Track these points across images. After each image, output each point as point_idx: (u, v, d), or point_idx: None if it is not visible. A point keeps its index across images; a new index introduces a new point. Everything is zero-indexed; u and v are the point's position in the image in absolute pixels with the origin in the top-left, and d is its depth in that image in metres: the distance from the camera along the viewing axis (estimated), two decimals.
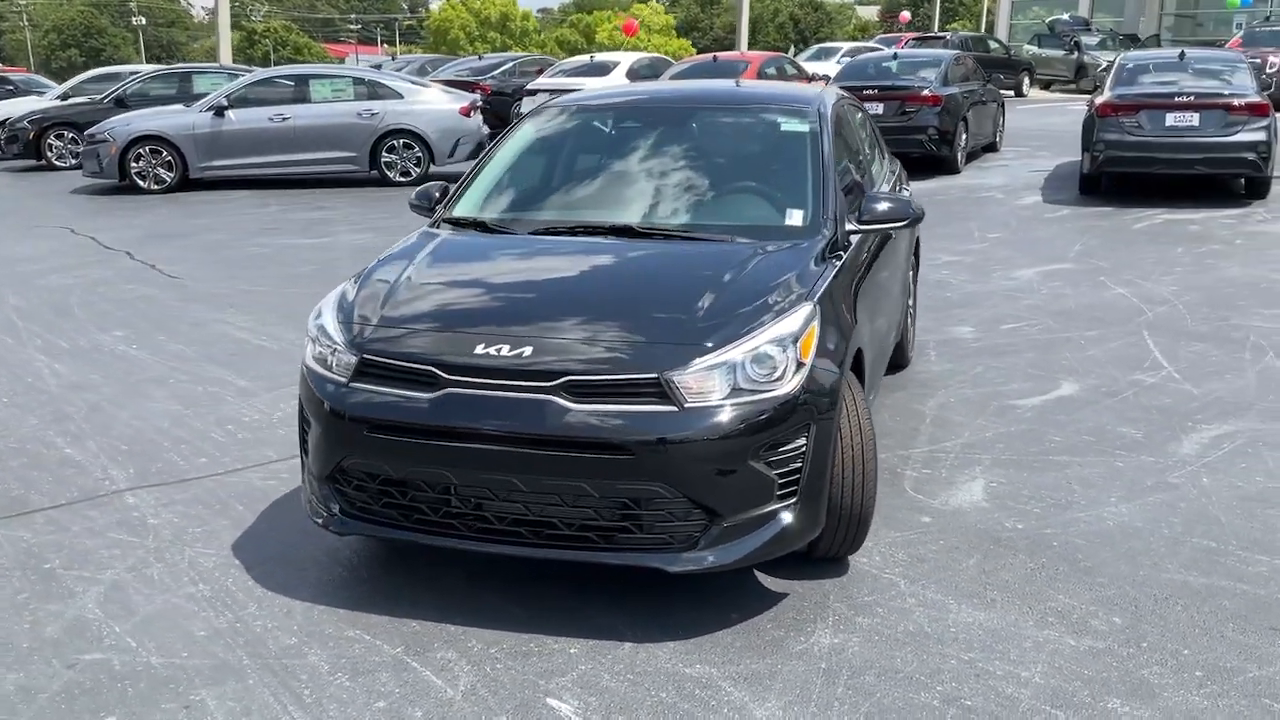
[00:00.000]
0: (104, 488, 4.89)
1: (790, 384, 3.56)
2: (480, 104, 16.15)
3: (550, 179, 4.98)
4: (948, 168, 15.26)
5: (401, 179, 15.28)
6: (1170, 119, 12.18)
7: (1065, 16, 38.11)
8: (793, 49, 51.82)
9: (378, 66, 24.43)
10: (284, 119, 14.96)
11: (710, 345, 3.56)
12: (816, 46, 33.34)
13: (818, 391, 3.63)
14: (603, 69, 20.00)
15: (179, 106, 15.67)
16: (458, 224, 4.75)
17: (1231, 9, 33.12)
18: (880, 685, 3.34)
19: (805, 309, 3.76)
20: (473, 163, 5.16)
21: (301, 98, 15.24)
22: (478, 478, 3.54)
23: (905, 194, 4.66)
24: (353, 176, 15.48)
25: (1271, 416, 5.67)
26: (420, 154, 15.29)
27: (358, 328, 3.87)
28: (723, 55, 19.21)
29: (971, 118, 16.03)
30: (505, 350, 3.59)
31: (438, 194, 5.00)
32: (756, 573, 4.00)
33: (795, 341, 3.63)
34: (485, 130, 16.03)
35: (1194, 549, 4.22)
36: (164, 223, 12.57)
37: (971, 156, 16.61)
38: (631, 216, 4.56)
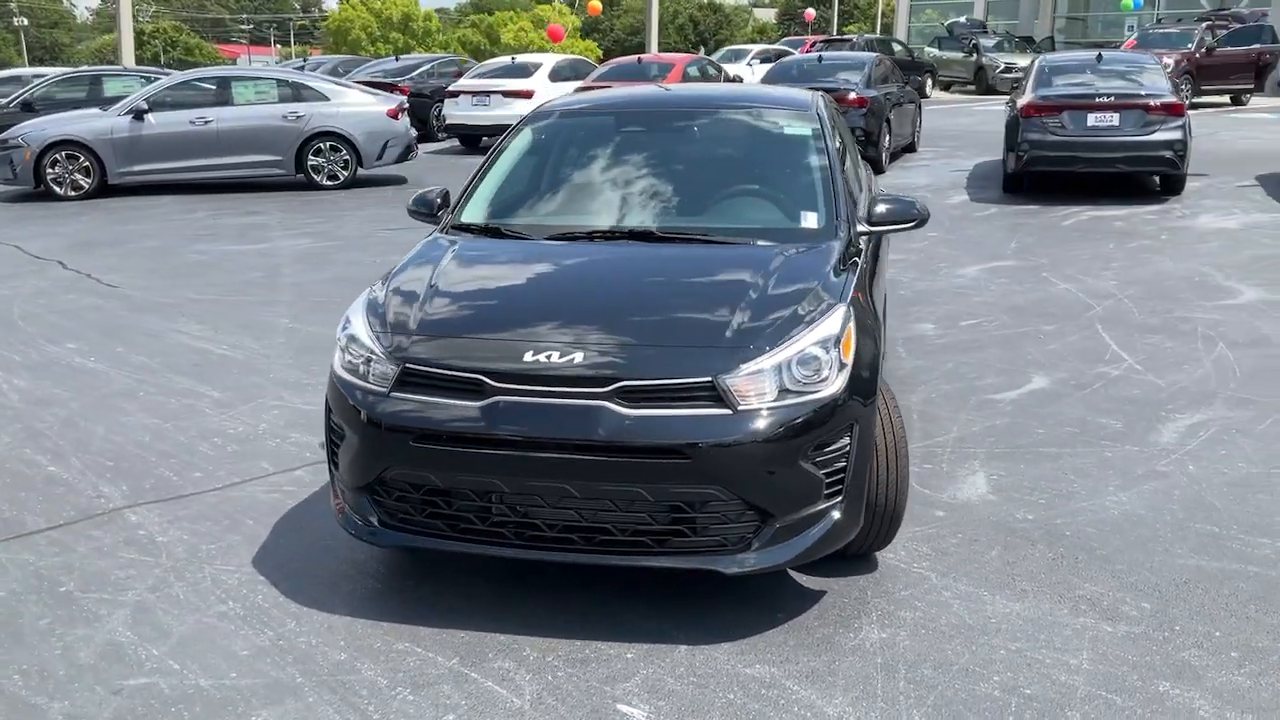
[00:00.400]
0: (100, 506, 4.73)
1: (835, 385, 3.62)
2: (406, 106, 15.96)
3: (557, 184, 4.95)
4: (873, 168, 15.49)
5: (329, 183, 15.02)
6: (1092, 119, 12.60)
7: (963, 19, 39.11)
8: (702, 49, 52.21)
9: (300, 67, 23.93)
10: (206, 122, 14.58)
11: (758, 348, 3.60)
12: (727, 49, 33.65)
13: (859, 391, 3.69)
14: (524, 70, 19.91)
15: (95, 110, 15.13)
16: (467, 230, 4.70)
17: (1125, 11, 34.33)
18: (939, 678, 3.41)
19: (841, 310, 3.82)
20: (475, 168, 5.10)
21: (224, 100, 14.88)
22: (529, 485, 3.52)
23: (910, 196, 4.75)
24: (278, 180, 15.16)
25: (1237, 405, 5.92)
26: (348, 157, 15.05)
27: (395, 337, 3.81)
28: (646, 56, 19.29)
29: (893, 118, 16.36)
30: (555, 357, 3.58)
31: (439, 199, 4.94)
32: (791, 571, 4.05)
33: (837, 343, 3.69)
34: (413, 133, 15.85)
35: (1199, 534, 4.39)
36: (90, 230, 12.16)
37: (893, 157, 16.95)
38: (647, 220, 4.58)
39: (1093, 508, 4.65)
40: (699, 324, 3.77)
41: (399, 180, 15.97)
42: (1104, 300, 8.29)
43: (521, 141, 5.12)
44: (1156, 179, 13.40)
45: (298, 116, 14.85)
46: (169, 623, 3.75)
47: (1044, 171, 13.04)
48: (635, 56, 19.58)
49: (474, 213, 4.79)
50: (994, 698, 3.31)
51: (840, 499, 3.65)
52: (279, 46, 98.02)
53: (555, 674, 3.44)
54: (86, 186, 14.33)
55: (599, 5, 40.82)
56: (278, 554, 4.27)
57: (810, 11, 59.65)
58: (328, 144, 14.97)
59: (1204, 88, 24.32)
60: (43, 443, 5.51)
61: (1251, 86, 24.87)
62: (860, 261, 4.35)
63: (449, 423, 3.55)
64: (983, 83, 31.98)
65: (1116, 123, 12.52)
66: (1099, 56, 13.95)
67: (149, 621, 3.76)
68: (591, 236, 4.49)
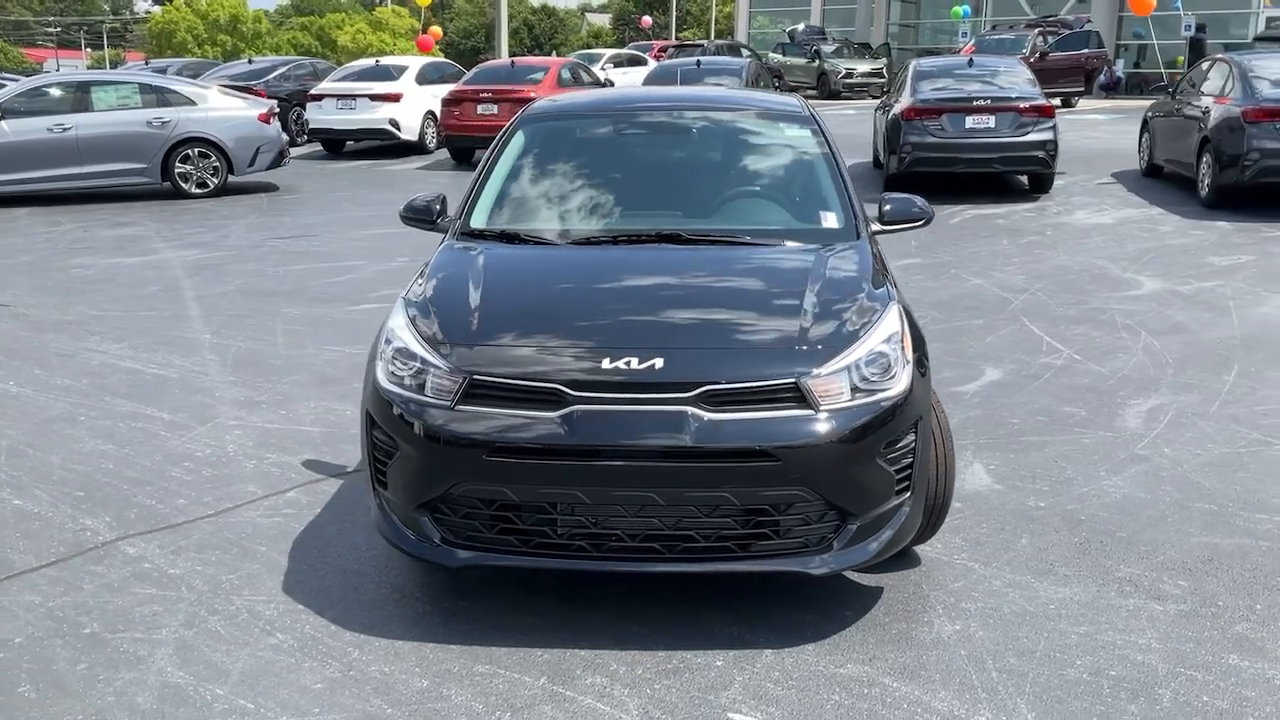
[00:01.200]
0: (89, 540, 4.39)
1: (903, 381, 3.65)
2: (277, 110, 15.41)
3: (568, 186, 4.80)
4: None
5: (198, 190, 14.37)
6: (970, 121, 13.12)
7: (801, 26, 40.08)
8: (554, 54, 52.06)
9: (163, 71, 22.80)
10: (65, 129, 13.75)
11: (833, 347, 3.61)
12: (580, 53, 33.66)
13: (919, 387, 3.74)
14: (389, 73, 19.44)
15: None
16: (480, 236, 4.54)
17: (955, 19, 35.83)
18: (1027, 666, 3.48)
19: (895, 307, 3.86)
20: (474, 172, 4.94)
21: (83, 106, 14.05)
22: (611, 495, 3.44)
23: (908, 195, 4.83)
24: (144, 189, 14.42)
25: (1182, 390, 6.24)
26: (218, 163, 14.43)
27: (455, 348, 3.66)
28: (519, 60, 19.11)
29: None
30: (635, 363, 3.50)
31: (437, 205, 4.78)
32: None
33: (900, 339, 3.73)
34: (285, 139, 15.31)
35: (1202, 513, 4.61)
36: None
37: None
38: (669, 223, 4.51)
39: (1094, 492, 4.83)
40: (769, 325, 3.75)
41: (271, 188, 15.41)
42: (1019, 294, 8.63)
43: (517, 144, 4.97)
44: (1025, 179, 14.02)
45: (163, 122, 14.16)
46: (221, 660, 3.51)
47: (925, 172, 13.46)
48: (509, 60, 19.36)
49: (484, 219, 4.64)
50: (1085, 682, 3.39)
51: (909, 494, 3.69)
52: (89, 50, 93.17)
53: (652, 687, 3.36)
54: None
55: (439, 30, 40.31)
56: (308, 581, 4.05)
57: (646, 18, 60.24)
58: (196, 150, 14.32)
59: None
60: None
61: (1081, 89, 26.31)
62: (885, 259, 4.42)
63: (527, 434, 3.43)
64: (825, 88, 32.80)
65: (993, 124, 13.06)
66: (970, 61, 14.52)
67: (199, 660, 3.51)
68: (616, 240, 4.41)
